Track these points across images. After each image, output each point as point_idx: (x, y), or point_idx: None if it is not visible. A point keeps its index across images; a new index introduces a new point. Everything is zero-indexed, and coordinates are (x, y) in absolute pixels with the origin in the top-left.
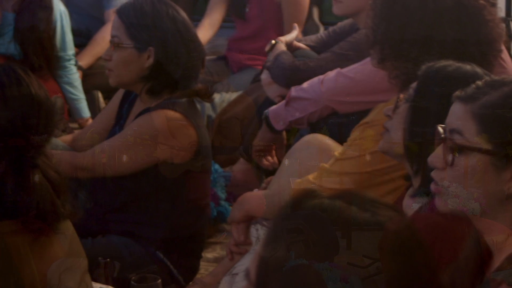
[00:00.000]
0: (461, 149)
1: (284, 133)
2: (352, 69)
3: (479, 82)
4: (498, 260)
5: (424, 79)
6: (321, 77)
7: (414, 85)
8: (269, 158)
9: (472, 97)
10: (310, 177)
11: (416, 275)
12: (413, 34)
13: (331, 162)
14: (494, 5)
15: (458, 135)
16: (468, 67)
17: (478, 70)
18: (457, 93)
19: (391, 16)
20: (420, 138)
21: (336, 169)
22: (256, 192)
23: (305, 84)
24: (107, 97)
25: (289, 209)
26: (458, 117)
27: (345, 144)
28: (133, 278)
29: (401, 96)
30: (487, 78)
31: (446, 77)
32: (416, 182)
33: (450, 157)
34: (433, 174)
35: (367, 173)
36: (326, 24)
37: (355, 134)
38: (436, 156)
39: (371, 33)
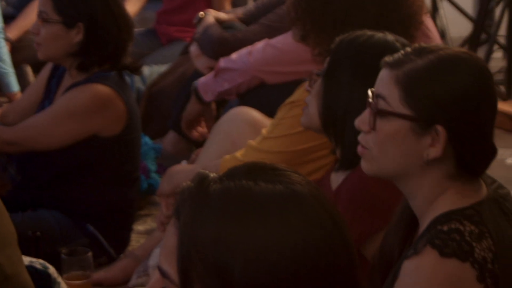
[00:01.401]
0: (384, 114)
1: (213, 104)
2: (280, 40)
3: (408, 49)
4: (423, 225)
5: (337, 52)
6: (249, 48)
7: (328, 58)
8: (199, 129)
9: (398, 63)
10: (238, 154)
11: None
12: (334, 11)
13: (258, 140)
14: None
15: (382, 100)
16: (379, 35)
17: (390, 38)
18: (386, 58)
19: None
20: (334, 110)
21: (263, 147)
22: (184, 165)
23: (233, 55)
24: (37, 71)
25: None
26: (384, 82)
27: (271, 122)
28: (63, 251)
29: (315, 70)
30: (416, 45)
31: (358, 47)
32: (339, 154)
33: (373, 121)
34: (359, 137)
35: (294, 152)
36: None
37: (281, 112)
38: (362, 119)
39: (292, 10)
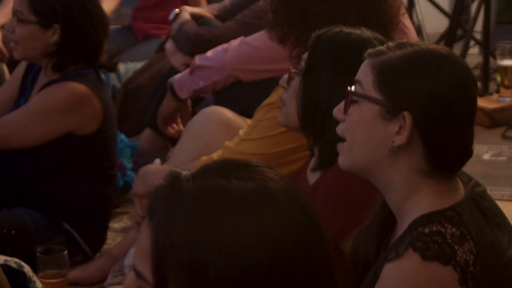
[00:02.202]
0: (356, 97)
1: (189, 101)
2: (255, 38)
3: (390, 44)
4: (401, 223)
5: (315, 49)
6: (225, 45)
7: (305, 55)
8: (175, 126)
9: (378, 53)
10: (215, 155)
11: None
12: (315, 17)
13: (236, 141)
14: None
15: (358, 85)
16: (357, 32)
17: (367, 34)
18: (369, 50)
19: None
20: (314, 109)
21: (241, 149)
22: (158, 165)
23: (209, 53)
24: (13, 69)
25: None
26: (362, 70)
27: (249, 124)
28: (39, 249)
29: (293, 69)
30: (399, 40)
31: (337, 44)
32: (317, 153)
33: (347, 106)
34: (337, 128)
35: (272, 154)
36: None
37: (259, 114)
38: (339, 108)
39: (271, 14)
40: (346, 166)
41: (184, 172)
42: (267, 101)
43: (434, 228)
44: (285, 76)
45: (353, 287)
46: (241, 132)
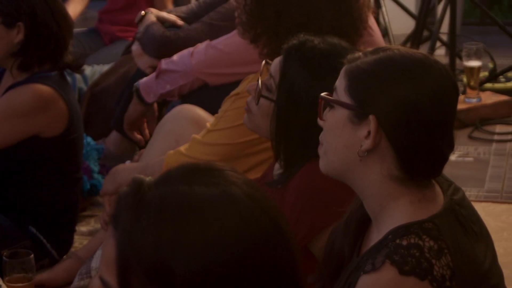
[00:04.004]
0: (329, 103)
1: (155, 105)
2: (221, 41)
3: (368, 50)
4: (378, 229)
5: (286, 77)
6: (191, 49)
7: (270, 81)
8: (142, 131)
9: (353, 59)
10: (182, 148)
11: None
12: (289, 19)
13: (203, 133)
14: None
15: (335, 92)
16: (328, 41)
17: (336, 45)
18: (348, 57)
19: (267, 0)
20: (287, 138)
21: (208, 140)
22: (128, 164)
23: (175, 57)
24: None
25: None
26: (339, 76)
27: (216, 115)
28: (5, 253)
29: (263, 87)
30: (377, 47)
31: (308, 60)
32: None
33: (323, 111)
34: (320, 135)
35: (239, 144)
36: None
37: (226, 105)
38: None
39: (244, 16)
40: (324, 170)
41: (147, 179)
42: (234, 91)
43: (412, 241)
44: (253, 84)
45: (326, 282)
46: (208, 124)
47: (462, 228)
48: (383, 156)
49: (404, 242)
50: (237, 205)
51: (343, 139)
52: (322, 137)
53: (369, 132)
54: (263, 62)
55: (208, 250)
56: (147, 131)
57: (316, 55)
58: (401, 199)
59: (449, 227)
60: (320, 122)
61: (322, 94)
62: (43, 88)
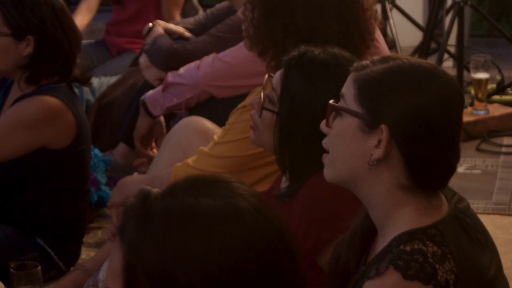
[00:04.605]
0: (338, 111)
1: (163, 121)
2: (228, 54)
3: (375, 58)
4: (383, 238)
5: (286, 92)
6: (197, 62)
7: (272, 93)
8: (151, 148)
9: (361, 67)
10: (190, 160)
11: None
12: (297, 31)
13: (210, 145)
14: None
15: (342, 99)
16: (330, 52)
17: (337, 55)
18: (354, 65)
19: (274, 13)
20: (289, 149)
21: (215, 152)
22: (136, 176)
23: (181, 70)
24: None
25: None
26: (346, 83)
27: (223, 128)
28: (12, 265)
29: (265, 99)
30: (384, 55)
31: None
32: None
33: (331, 120)
34: (323, 141)
35: (246, 157)
36: (205, 7)
37: (233, 117)
38: (324, 122)
39: (251, 29)
40: (329, 178)
41: (154, 190)
42: (241, 104)
43: (416, 246)
44: (256, 98)
45: None
46: (215, 137)
47: (466, 235)
48: (392, 165)
49: (408, 248)
50: (243, 217)
51: (352, 147)
52: (328, 145)
53: (379, 141)
54: (266, 75)
55: (211, 261)
56: (155, 150)
57: (316, 64)
58: (406, 207)
59: (453, 233)
60: (325, 129)
61: (331, 101)
62: (51, 100)
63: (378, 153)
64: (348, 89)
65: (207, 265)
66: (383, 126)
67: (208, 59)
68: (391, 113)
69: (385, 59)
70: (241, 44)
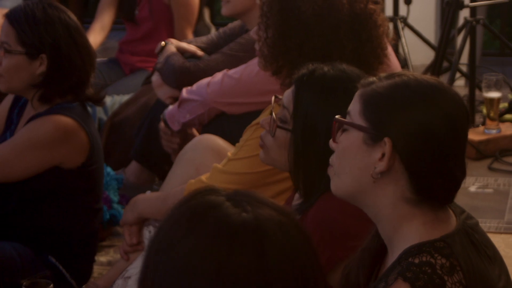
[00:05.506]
0: (343, 126)
1: (195, 130)
2: (238, 71)
3: (381, 75)
4: (392, 253)
5: (299, 110)
6: (209, 78)
7: (284, 112)
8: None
9: (368, 84)
10: (203, 177)
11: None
12: (312, 50)
13: (224, 162)
14: (382, 10)
15: (348, 115)
16: (339, 68)
17: (346, 71)
18: (361, 81)
19: (289, 33)
20: (305, 166)
21: (229, 169)
22: (148, 194)
23: (194, 86)
24: None
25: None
26: (353, 100)
27: (237, 144)
28: (24, 283)
29: (276, 118)
30: (391, 72)
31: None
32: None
33: (338, 135)
34: (330, 158)
35: (260, 173)
36: (218, 25)
37: (247, 134)
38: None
39: (266, 49)
40: (335, 192)
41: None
42: (254, 121)
43: (424, 259)
44: (267, 118)
45: None
46: (229, 153)
47: (475, 249)
48: (396, 178)
49: (416, 260)
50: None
51: (357, 160)
52: (333, 159)
53: (383, 154)
54: (273, 97)
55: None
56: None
57: (327, 81)
58: (414, 220)
59: (461, 246)
60: (332, 144)
61: (337, 116)
62: (64, 120)
63: (381, 166)
64: (354, 105)
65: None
66: (386, 139)
67: (218, 76)
68: (395, 127)
69: (391, 76)
70: (251, 61)
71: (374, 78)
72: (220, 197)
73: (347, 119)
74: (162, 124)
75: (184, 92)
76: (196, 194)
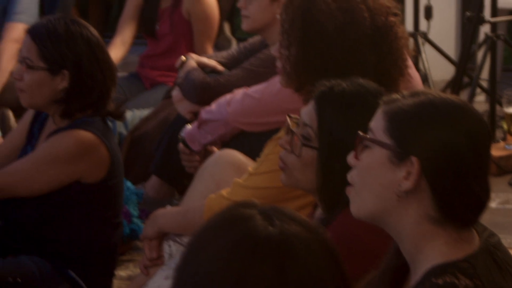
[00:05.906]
0: (366, 143)
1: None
2: (258, 90)
3: (405, 92)
4: (414, 272)
5: (324, 127)
6: (228, 97)
7: (307, 130)
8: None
9: (392, 101)
10: (224, 192)
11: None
12: (335, 65)
13: (245, 177)
14: (402, 22)
15: (370, 132)
16: (357, 83)
17: (364, 85)
18: (383, 98)
19: (311, 50)
20: (333, 182)
21: (250, 184)
22: (168, 209)
23: (213, 106)
24: (18, 115)
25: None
26: (376, 117)
27: (258, 159)
28: None
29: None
30: (414, 90)
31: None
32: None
33: (359, 152)
34: (348, 175)
35: (281, 187)
36: (238, 40)
37: (268, 148)
38: (351, 154)
39: (288, 66)
40: (356, 213)
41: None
42: (275, 135)
43: (448, 280)
44: (286, 138)
45: None
46: (250, 168)
47: (498, 268)
48: (421, 197)
49: (440, 281)
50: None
51: (380, 178)
52: (353, 177)
53: (408, 173)
54: (287, 117)
55: None
56: None
57: (347, 96)
58: (437, 240)
59: (485, 267)
60: (353, 161)
61: (360, 133)
62: (85, 135)
63: (407, 184)
64: (377, 122)
65: None
66: (413, 159)
67: (238, 95)
68: (422, 146)
69: (415, 94)
70: (271, 80)
71: (398, 96)
72: (254, 210)
73: (369, 135)
74: (181, 145)
75: (203, 113)
76: (233, 206)
